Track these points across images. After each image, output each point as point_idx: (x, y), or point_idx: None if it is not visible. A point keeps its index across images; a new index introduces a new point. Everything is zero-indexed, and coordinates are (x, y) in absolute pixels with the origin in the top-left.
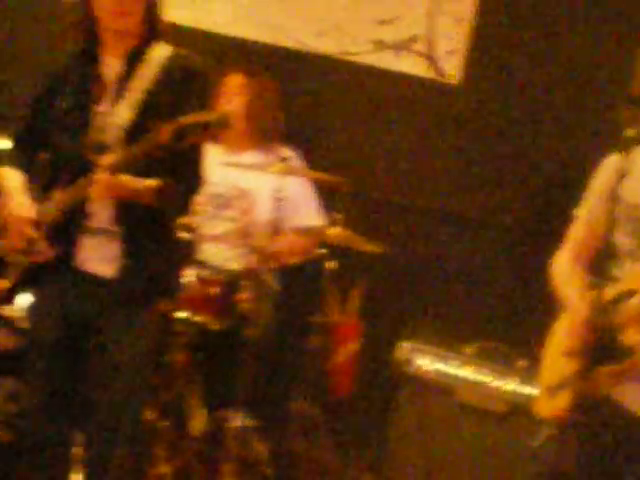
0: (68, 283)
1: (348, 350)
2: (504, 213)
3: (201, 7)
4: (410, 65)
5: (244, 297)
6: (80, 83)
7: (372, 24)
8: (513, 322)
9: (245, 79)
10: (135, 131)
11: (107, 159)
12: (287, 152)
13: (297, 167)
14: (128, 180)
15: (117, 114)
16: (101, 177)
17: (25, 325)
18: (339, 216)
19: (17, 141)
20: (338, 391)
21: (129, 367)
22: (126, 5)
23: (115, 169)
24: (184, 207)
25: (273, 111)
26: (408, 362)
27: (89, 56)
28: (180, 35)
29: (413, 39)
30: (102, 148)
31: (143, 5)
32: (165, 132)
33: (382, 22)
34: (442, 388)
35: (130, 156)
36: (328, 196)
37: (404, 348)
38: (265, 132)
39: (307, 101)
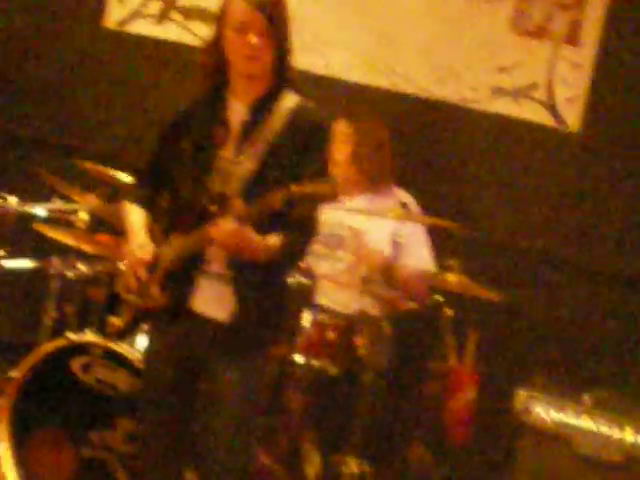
0: (182, 325)
1: (464, 397)
2: (621, 263)
3: (319, 52)
4: (529, 112)
5: (361, 342)
6: (205, 126)
7: (491, 71)
8: (630, 370)
9: (350, 125)
10: (256, 183)
11: (231, 211)
12: (404, 196)
13: (415, 213)
14: (251, 235)
15: (239, 163)
16: (224, 228)
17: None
18: (456, 262)
19: (139, 178)
20: (454, 439)
21: (239, 410)
22: (258, 50)
23: (239, 218)
24: (298, 258)
25: (381, 155)
26: (525, 411)
27: (216, 99)
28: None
29: (533, 86)
30: (222, 199)
31: (275, 51)
32: (277, 199)
33: (501, 69)
34: (560, 438)
35: (246, 215)
36: (445, 242)
37: (521, 396)
38: (373, 177)
39: (425, 146)
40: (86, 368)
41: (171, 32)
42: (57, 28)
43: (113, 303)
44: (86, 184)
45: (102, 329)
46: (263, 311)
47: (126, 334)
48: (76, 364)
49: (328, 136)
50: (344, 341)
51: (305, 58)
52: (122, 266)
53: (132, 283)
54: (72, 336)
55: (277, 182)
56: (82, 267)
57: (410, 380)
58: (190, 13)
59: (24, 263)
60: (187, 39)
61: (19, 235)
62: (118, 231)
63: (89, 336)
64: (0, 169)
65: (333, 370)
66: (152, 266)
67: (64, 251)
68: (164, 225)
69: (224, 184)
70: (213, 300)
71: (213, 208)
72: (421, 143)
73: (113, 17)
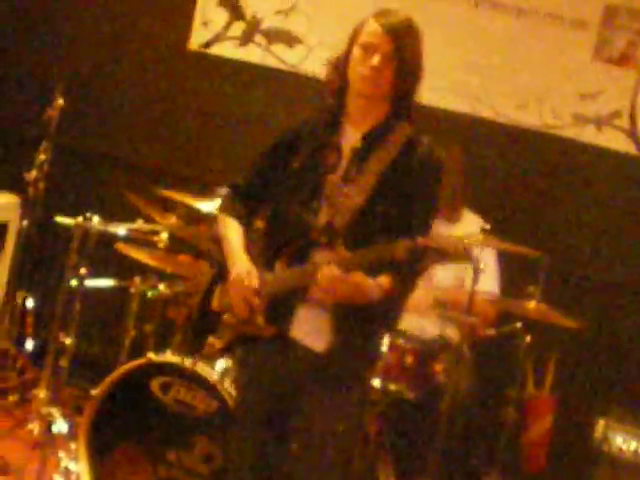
0: (279, 354)
1: (542, 425)
2: None
3: None
4: (611, 140)
5: (440, 367)
6: (317, 148)
7: (574, 98)
8: None
9: None
10: (365, 216)
11: (339, 254)
12: (477, 221)
13: (494, 239)
14: (360, 280)
15: (349, 194)
16: (330, 276)
17: (220, 388)
18: (535, 289)
19: (237, 192)
20: (531, 466)
21: (331, 444)
22: (378, 72)
23: (346, 266)
24: (405, 298)
25: (456, 181)
26: (604, 440)
27: (331, 122)
28: None
29: (615, 114)
30: (331, 231)
31: (396, 78)
32: (401, 249)
33: (584, 96)
34: (638, 468)
35: (360, 260)
36: (524, 269)
37: (600, 425)
38: (448, 202)
39: (505, 172)
40: (165, 388)
41: (254, 55)
42: (144, 51)
43: (206, 321)
44: (167, 205)
45: (184, 347)
46: (361, 342)
47: (222, 356)
48: (156, 384)
49: (442, 173)
50: (422, 366)
51: None
52: (230, 290)
53: (241, 309)
54: (153, 356)
55: (386, 217)
56: (162, 287)
57: (488, 406)
58: (273, 36)
59: (106, 282)
60: (270, 62)
61: (101, 254)
62: (198, 252)
63: (169, 356)
64: (84, 189)
65: (410, 395)
66: (257, 293)
67: (145, 271)
68: (260, 245)
69: (332, 214)
70: (311, 328)
71: (323, 239)
72: (502, 169)
73: (197, 40)
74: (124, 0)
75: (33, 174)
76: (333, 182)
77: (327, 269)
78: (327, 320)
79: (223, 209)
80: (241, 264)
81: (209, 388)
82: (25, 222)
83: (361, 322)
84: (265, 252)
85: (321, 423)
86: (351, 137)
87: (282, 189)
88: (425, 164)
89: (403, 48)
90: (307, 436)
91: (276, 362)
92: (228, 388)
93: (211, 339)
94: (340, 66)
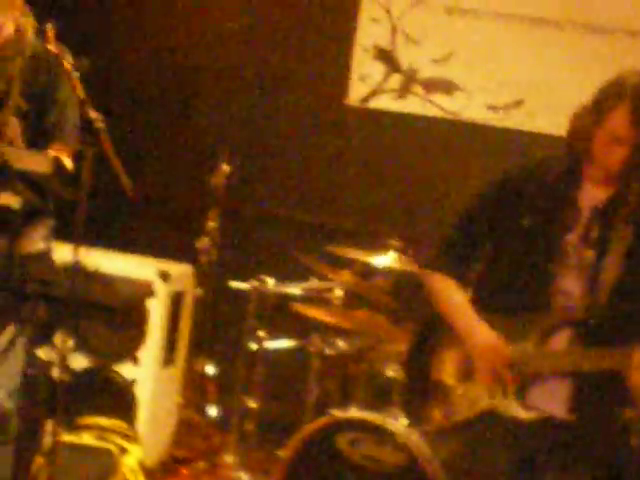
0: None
1: None
2: None
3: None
4: None
5: None
6: (553, 204)
7: None
8: None
9: None
10: (620, 294)
11: None
12: None
13: None
14: None
15: (604, 266)
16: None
17: (409, 441)
18: None
19: (449, 247)
20: None
21: None
22: (623, 164)
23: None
24: None
25: None
26: None
27: (568, 177)
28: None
29: None
30: (593, 308)
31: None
32: None
33: None
34: None
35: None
36: None
37: None
38: None
39: None
40: (352, 444)
41: (413, 105)
42: (302, 109)
43: (423, 390)
44: (340, 261)
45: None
46: (605, 409)
47: (457, 431)
48: (342, 440)
49: None
50: None
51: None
52: (476, 360)
53: (488, 381)
54: (337, 413)
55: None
56: (341, 344)
57: None
58: (432, 85)
59: (284, 343)
60: (430, 111)
61: (277, 315)
62: (375, 306)
63: (354, 412)
64: (254, 252)
65: None
66: (511, 366)
67: (323, 329)
68: (480, 304)
69: (587, 287)
70: (549, 394)
71: (580, 315)
72: None
73: (355, 94)
74: (279, 61)
75: (204, 241)
76: (570, 242)
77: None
78: (567, 385)
79: (435, 266)
80: (485, 332)
81: (397, 442)
82: (200, 290)
83: (604, 386)
84: (484, 313)
85: None
86: (593, 195)
87: (510, 247)
88: None
89: None
90: None
91: (512, 431)
92: (416, 441)
93: (436, 413)
94: (583, 133)
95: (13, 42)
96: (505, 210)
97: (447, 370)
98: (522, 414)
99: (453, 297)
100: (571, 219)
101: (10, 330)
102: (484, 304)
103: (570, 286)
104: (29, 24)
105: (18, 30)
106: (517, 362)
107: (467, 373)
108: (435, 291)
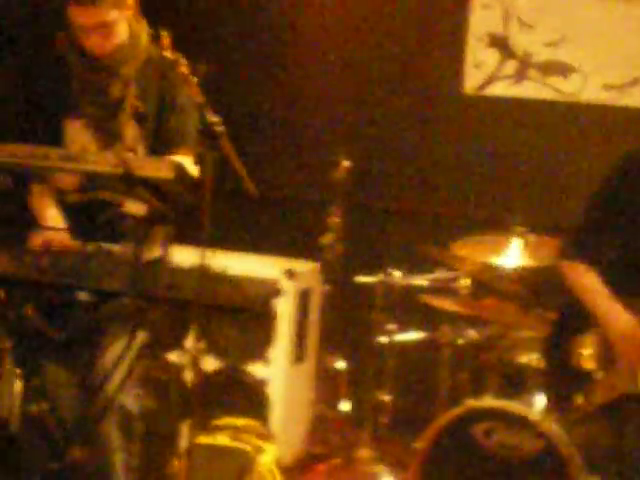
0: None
1: None
2: None
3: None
4: None
5: None
6: None
7: None
8: None
9: None
10: None
11: None
12: None
13: None
14: None
15: None
16: None
17: (545, 427)
18: None
19: (582, 236)
20: None
21: None
22: None
23: None
24: None
25: None
26: None
27: None
28: None
29: None
30: None
31: None
32: None
33: None
34: None
35: None
36: None
37: None
38: None
39: None
40: (489, 433)
41: (529, 90)
42: (418, 99)
43: (568, 379)
44: (464, 251)
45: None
46: None
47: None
48: (478, 430)
49: None
50: None
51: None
52: (619, 346)
53: (633, 369)
54: (473, 402)
55: None
56: (472, 333)
57: None
58: (548, 68)
59: (414, 335)
60: (547, 95)
61: (406, 308)
62: (502, 294)
63: (489, 401)
64: (378, 246)
65: None
66: None
67: (452, 319)
68: (615, 287)
69: None
70: None
71: None
72: None
73: (471, 83)
74: (394, 54)
75: (328, 237)
76: None
77: None
78: None
79: (571, 256)
80: (626, 319)
81: (535, 428)
82: (326, 286)
83: None
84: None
85: None
86: None
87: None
88: None
89: None
90: None
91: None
92: (552, 426)
93: (580, 400)
94: None
95: (128, 47)
96: (632, 192)
97: (587, 355)
98: None
99: (592, 285)
100: None
101: (139, 335)
102: (620, 287)
103: None
104: (143, 30)
105: (132, 36)
106: None
107: (607, 358)
108: (574, 280)
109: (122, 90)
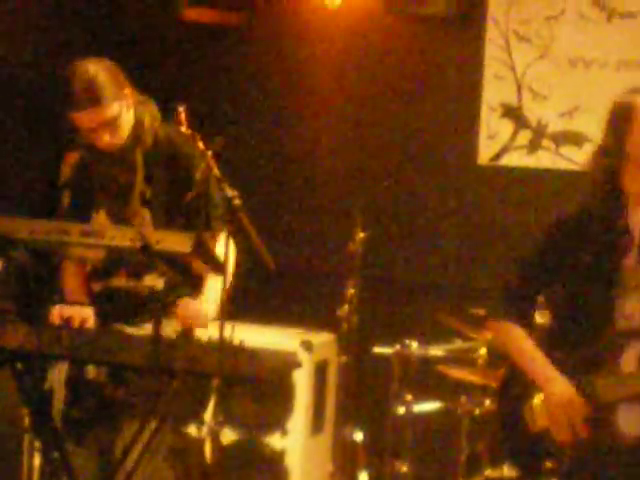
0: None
1: None
2: None
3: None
4: None
5: None
6: (605, 234)
7: None
8: None
9: None
10: None
11: None
12: None
13: None
14: None
15: None
16: None
17: None
18: None
19: (512, 294)
20: None
21: None
22: None
23: None
24: None
25: None
26: None
27: (612, 206)
28: None
29: None
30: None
31: None
32: None
33: None
34: None
35: None
36: None
37: None
38: None
39: None
40: None
41: (543, 160)
42: (433, 170)
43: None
44: (479, 321)
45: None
46: None
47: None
48: None
49: None
50: None
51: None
52: (551, 411)
53: (563, 433)
54: (490, 473)
55: None
56: (489, 403)
57: None
58: (561, 138)
59: (431, 405)
60: (560, 165)
61: (423, 378)
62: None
63: (507, 472)
64: (397, 316)
65: None
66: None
67: (469, 389)
68: (546, 343)
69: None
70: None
71: (623, 346)
72: None
73: (485, 154)
74: (407, 125)
75: (345, 309)
76: (628, 266)
77: None
78: None
79: (501, 315)
80: (561, 384)
81: None
82: (343, 357)
83: None
84: (558, 351)
85: None
86: (637, 218)
87: (574, 283)
88: None
89: None
90: None
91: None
92: None
93: (549, 463)
94: (614, 150)
95: (132, 135)
96: (563, 250)
97: (539, 414)
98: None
99: (523, 346)
100: (625, 244)
101: (159, 409)
102: (552, 343)
103: (631, 308)
104: (147, 111)
105: (137, 121)
106: (594, 399)
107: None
108: (505, 341)
109: (131, 177)
